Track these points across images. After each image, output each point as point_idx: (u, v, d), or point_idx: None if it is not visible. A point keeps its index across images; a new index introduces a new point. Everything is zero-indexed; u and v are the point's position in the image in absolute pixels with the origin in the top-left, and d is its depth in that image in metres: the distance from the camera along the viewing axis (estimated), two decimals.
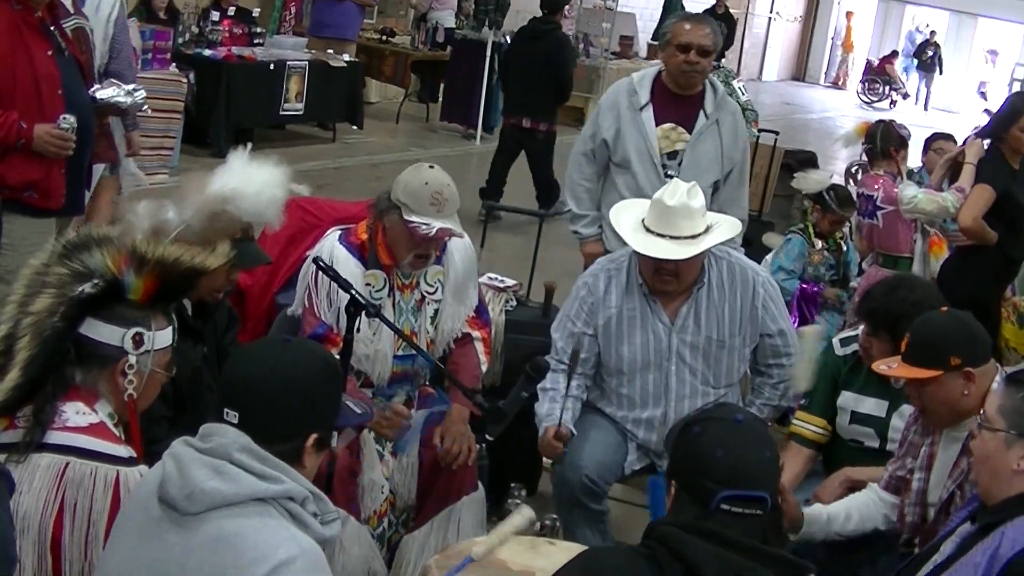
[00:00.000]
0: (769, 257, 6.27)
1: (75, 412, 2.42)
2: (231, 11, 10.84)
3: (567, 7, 11.26)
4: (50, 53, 4.25)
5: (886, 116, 7.49)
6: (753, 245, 6.09)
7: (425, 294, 3.83)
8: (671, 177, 4.39)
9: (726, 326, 3.90)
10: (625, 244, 3.85)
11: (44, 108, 4.19)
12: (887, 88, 26.20)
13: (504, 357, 4.65)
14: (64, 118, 4.18)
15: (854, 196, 6.18)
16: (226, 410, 2.19)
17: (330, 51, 11.54)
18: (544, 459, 4.34)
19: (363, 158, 11.41)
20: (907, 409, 3.64)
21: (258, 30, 11.19)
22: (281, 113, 10.83)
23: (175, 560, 2.11)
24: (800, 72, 29.61)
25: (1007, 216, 5.44)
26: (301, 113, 11.03)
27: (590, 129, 4.91)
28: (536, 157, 10.04)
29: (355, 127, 11.94)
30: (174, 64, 9.38)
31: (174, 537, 2.13)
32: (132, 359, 2.48)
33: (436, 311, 3.86)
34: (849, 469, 3.70)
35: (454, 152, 12.40)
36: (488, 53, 12.65)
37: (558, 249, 7.60)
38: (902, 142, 6.02)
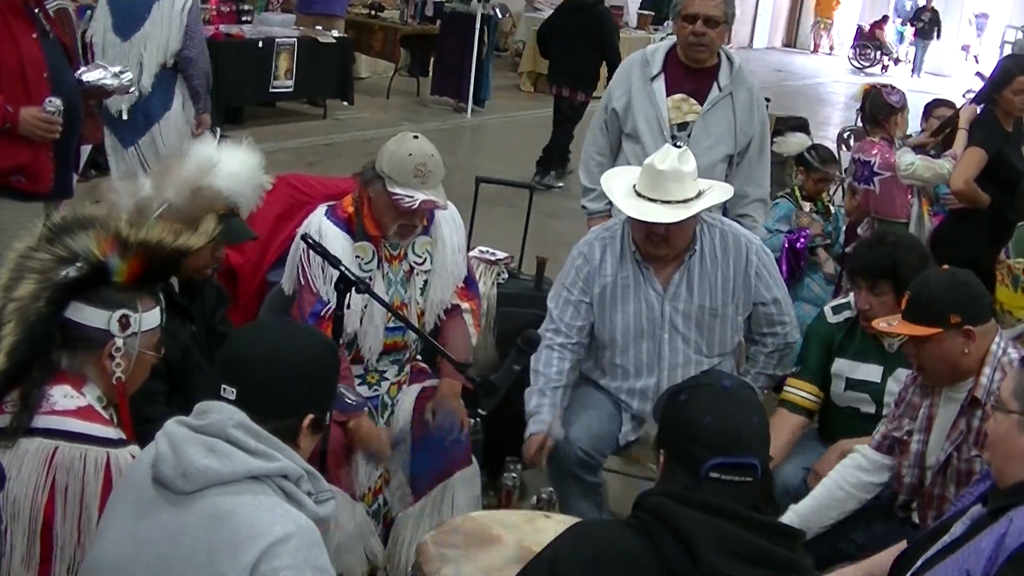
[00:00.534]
0: None
1: (63, 395, 2.40)
2: None
3: None
4: (35, 36, 4.22)
5: (882, 81, 7.43)
6: None
7: (414, 265, 3.81)
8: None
9: (719, 294, 3.88)
10: None
11: (30, 91, 4.17)
12: (878, 53, 26.13)
13: (497, 330, 4.64)
14: (50, 101, 4.16)
15: (845, 161, 6.17)
16: (224, 386, 2.19)
17: (319, 27, 11.50)
18: None
19: (354, 134, 11.36)
20: (902, 373, 3.64)
21: (246, 7, 11.15)
22: (271, 90, 10.80)
23: (170, 539, 2.10)
24: (791, 39, 29.51)
25: (1000, 178, 5.45)
26: (291, 90, 11.00)
27: (604, 100, 4.85)
28: (559, 124, 10.45)
29: (345, 103, 11.87)
30: None
31: (168, 516, 2.12)
32: (119, 342, 2.46)
33: (426, 282, 3.84)
34: (845, 441, 3.69)
35: (445, 126, 12.37)
36: (477, 26, 12.58)
37: (550, 220, 7.60)
38: (891, 110, 6.00)
